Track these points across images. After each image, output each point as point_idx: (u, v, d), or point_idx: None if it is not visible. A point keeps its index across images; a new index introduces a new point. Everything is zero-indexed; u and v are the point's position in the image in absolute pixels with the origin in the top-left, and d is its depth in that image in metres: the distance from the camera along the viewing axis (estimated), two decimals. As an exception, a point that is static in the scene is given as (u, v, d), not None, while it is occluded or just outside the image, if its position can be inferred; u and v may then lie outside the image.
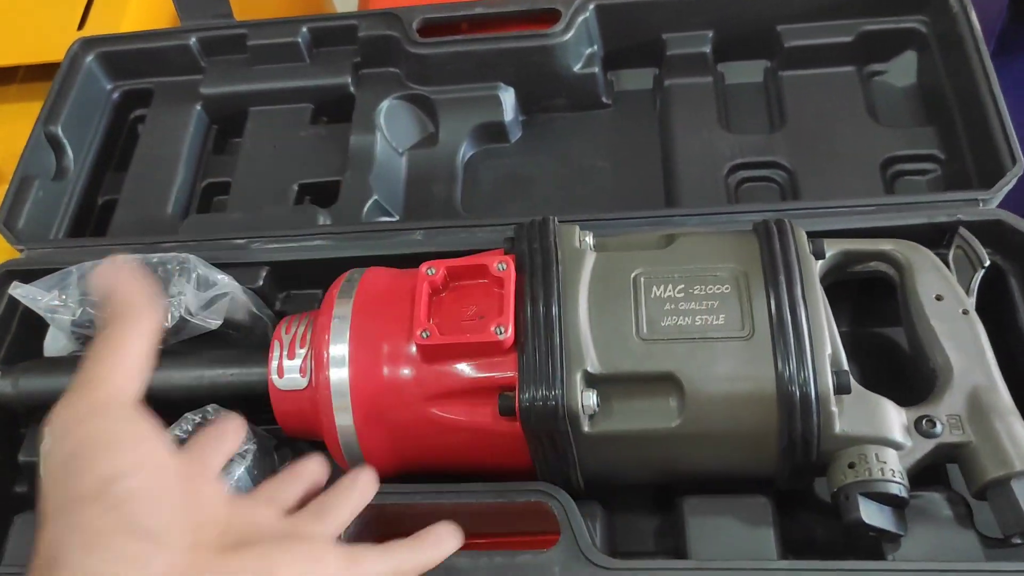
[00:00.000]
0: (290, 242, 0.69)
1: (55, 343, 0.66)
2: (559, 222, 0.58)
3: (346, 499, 0.49)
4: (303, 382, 0.57)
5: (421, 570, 0.48)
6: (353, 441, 0.56)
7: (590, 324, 0.53)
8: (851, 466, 0.50)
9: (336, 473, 0.51)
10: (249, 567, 0.40)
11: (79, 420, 0.40)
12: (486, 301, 0.55)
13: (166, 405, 0.61)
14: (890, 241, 0.60)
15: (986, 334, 0.56)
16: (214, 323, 0.62)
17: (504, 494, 0.54)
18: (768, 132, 0.77)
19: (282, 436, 0.62)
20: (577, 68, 0.80)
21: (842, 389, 0.51)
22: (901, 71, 0.78)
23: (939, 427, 0.52)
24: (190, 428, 0.60)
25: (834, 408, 0.50)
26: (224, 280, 0.64)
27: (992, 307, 0.59)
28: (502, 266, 0.55)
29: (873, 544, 0.53)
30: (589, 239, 0.58)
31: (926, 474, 0.52)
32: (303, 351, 0.58)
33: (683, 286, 0.54)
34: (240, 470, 0.58)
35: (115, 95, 0.86)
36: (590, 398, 0.51)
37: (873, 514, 0.50)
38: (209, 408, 0.60)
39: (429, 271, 0.56)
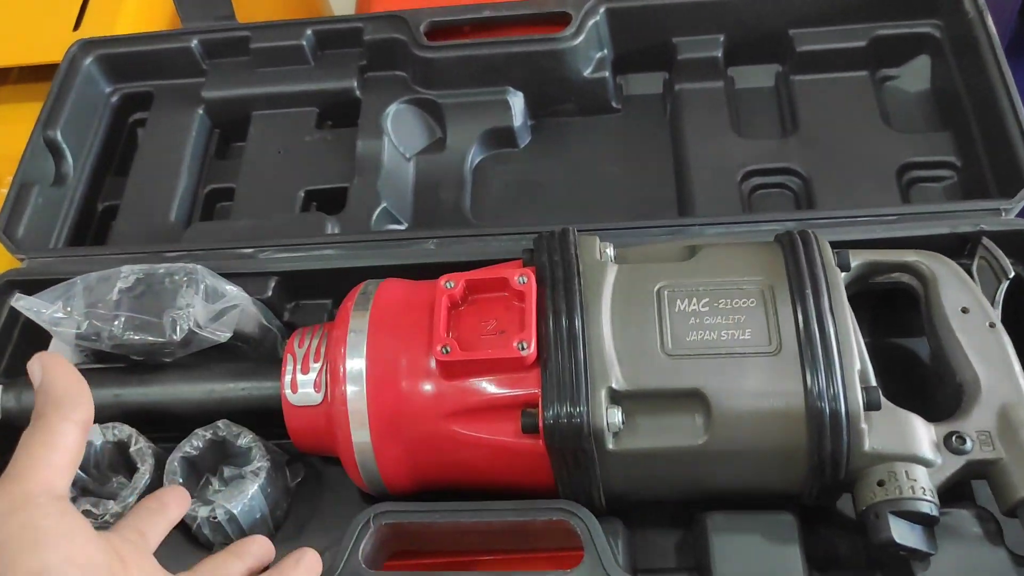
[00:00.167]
0: (299, 251, 0.68)
1: (58, 356, 0.64)
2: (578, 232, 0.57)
3: None
4: (318, 397, 0.56)
5: None
6: (370, 457, 0.55)
7: (614, 339, 0.52)
8: (880, 484, 0.49)
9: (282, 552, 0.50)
10: None
11: (7, 512, 0.39)
12: (507, 315, 0.54)
13: (175, 420, 0.61)
14: (914, 252, 0.59)
15: (1013, 347, 0.55)
16: (224, 336, 0.60)
17: (526, 512, 0.53)
18: (780, 137, 0.76)
19: (293, 451, 0.61)
20: (587, 72, 0.78)
21: (872, 406, 0.50)
22: (914, 76, 0.78)
23: (969, 444, 0.51)
24: (200, 444, 0.59)
25: (864, 425, 0.49)
26: (233, 291, 0.62)
27: (1012, 319, 0.58)
28: (523, 279, 0.54)
29: (900, 561, 0.52)
30: (610, 251, 0.57)
31: (952, 490, 0.52)
32: (317, 365, 0.57)
33: (708, 300, 0.53)
34: (254, 488, 0.57)
35: (114, 98, 0.84)
36: (615, 415, 0.50)
37: (904, 533, 0.49)
38: (220, 424, 0.59)
39: (448, 284, 0.54)
